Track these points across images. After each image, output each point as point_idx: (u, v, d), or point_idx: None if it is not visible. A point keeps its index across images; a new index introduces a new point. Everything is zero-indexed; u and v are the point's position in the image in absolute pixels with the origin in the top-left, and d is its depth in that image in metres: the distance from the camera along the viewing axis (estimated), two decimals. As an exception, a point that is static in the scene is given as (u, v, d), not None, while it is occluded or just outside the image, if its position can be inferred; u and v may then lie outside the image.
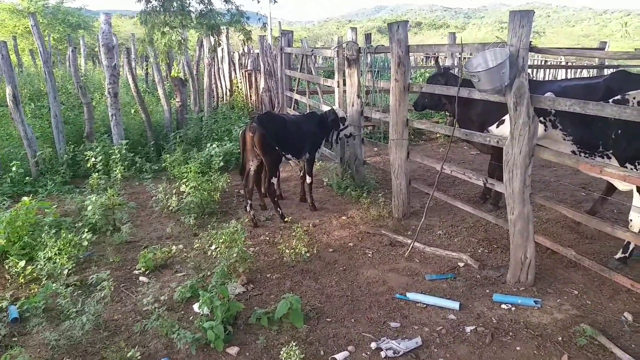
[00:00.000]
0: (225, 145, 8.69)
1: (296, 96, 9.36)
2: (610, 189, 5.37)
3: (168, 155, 8.40)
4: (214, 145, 8.48)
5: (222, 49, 12.64)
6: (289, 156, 6.12)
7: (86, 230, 5.16)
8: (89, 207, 5.61)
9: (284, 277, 4.70)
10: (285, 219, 6.03)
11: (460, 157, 9.48)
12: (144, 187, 7.68)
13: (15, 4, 27.12)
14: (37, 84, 13.80)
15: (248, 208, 6.00)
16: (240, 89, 13.34)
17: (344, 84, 7.09)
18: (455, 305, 4.07)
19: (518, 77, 3.97)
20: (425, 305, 4.15)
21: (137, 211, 6.49)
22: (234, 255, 4.59)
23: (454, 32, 10.72)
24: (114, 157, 7.95)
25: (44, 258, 4.57)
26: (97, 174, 7.57)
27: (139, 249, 5.44)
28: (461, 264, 4.89)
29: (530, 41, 3.96)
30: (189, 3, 7.70)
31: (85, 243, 4.94)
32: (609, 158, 4.51)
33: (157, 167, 8.36)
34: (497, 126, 5.35)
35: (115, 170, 7.71)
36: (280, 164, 6.06)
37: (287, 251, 4.87)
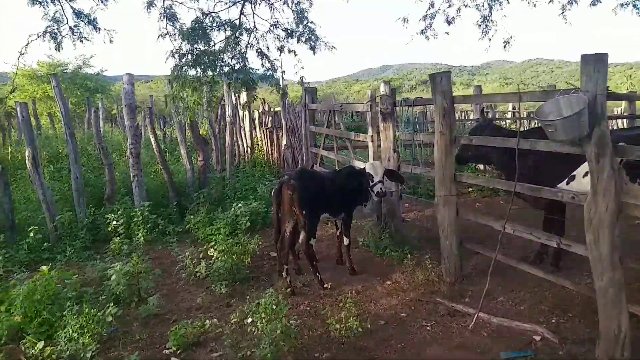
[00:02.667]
0: (251, 204, 8.26)
1: (323, 152, 9.02)
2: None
3: (192, 216, 7.97)
4: (239, 205, 8.05)
5: (243, 107, 12.51)
6: (327, 215, 5.65)
7: (111, 304, 4.63)
8: (113, 277, 5.11)
9: (335, 357, 4.10)
10: (325, 285, 5.48)
11: (499, 211, 8.91)
12: (168, 251, 7.20)
13: (35, 69, 27.82)
14: (56, 146, 13.71)
15: (285, 274, 5.46)
16: (261, 147, 13.09)
17: (378, 138, 6.72)
18: (546, 391, 3.44)
19: (598, 125, 3.54)
20: (508, 392, 3.52)
21: (162, 279, 5.97)
22: (277, 331, 4.01)
23: (480, 85, 10.53)
24: (135, 219, 7.53)
25: (64, 338, 4.03)
26: (118, 238, 7.14)
27: (168, 323, 4.88)
28: (537, 338, 4.27)
29: (607, 86, 3.56)
30: (222, 58, 7.51)
31: (110, 318, 4.40)
32: None
33: (180, 229, 7.91)
34: (568, 182, 4.87)
35: (138, 234, 7.26)
36: (318, 225, 5.59)
37: (336, 325, 4.28)
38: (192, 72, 7.74)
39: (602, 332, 3.81)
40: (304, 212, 5.23)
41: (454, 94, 5.23)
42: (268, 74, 8.08)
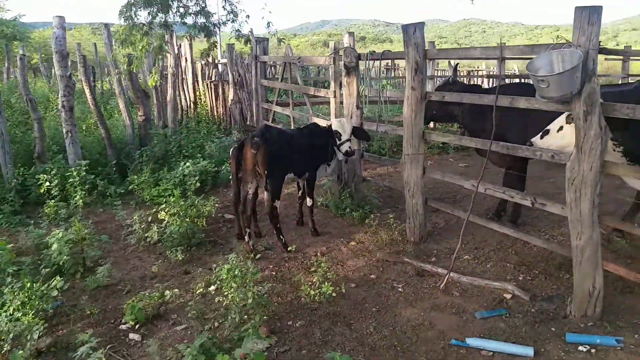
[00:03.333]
0: (199, 163, 7.76)
1: (276, 108, 8.57)
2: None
3: (135, 177, 7.38)
4: (187, 164, 7.54)
5: (186, 57, 11.65)
6: (291, 175, 5.33)
7: (56, 277, 4.11)
8: (54, 246, 4.56)
9: (310, 324, 3.88)
10: (289, 248, 5.20)
11: (451, 169, 8.96)
12: (111, 215, 6.64)
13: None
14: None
15: (247, 237, 5.13)
16: (205, 102, 12.35)
17: (341, 94, 6.40)
18: (528, 351, 3.42)
19: (588, 82, 3.41)
20: (491, 353, 3.47)
21: (109, 246, 5.46)
22: (249, 300, 3.72)
23: (433, 42, 10.33)
24: (71, 180, 6.83)
25: (5, 317, 3.52)
26: (52, 201, 6.46)
27: (121, 294, 4.46)
28: (508, 296, 4.26)
29: (600, 41, 3.43)
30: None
31: (55, 293, 3.91)
32: None
33: (122, 191, 7.29)
34: (542, 137, 4.79)
35: (75, 196, 6.61)
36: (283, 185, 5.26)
37: (310, 291, 4.05)
38: (143, 13, 6.92)
39: (577, 289, 3.83)
40: (268, 172, 4.87)
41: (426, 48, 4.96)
42: (229, 19, 7.37)
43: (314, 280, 4.23)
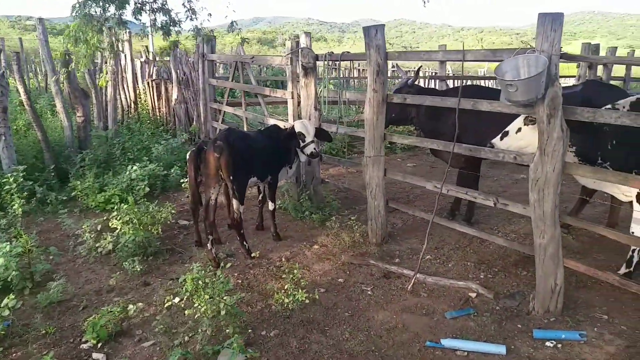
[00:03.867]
0: (147, 166, 7.42)
1: (227, 108, 8.35)
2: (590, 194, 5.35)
3: (78, 182, 6.93)
4: (134, 167, 7.19)
5: (125, 55, 11.10)
6: (254, 180, 5.21)
7: (8, 295, 3.77)
8: (0, 260, 4.18)
9: (284, 334, 3.80)
10: (253, 255, 5.08)
11: (400, 169, 9.14)
12: (54, 223, 6.20)
13: None
14: None
15: (209, 245, 4.94)
16: (145, 101, 11.84)
17: (299, 95, 6.33)
18: (501, 349, 3.53)
19: (551, 86, 3.57)
20: (466, 353, 3.55)
21: (57, 258, 5.07)
22: (222, 312, 3.58)
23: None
24: (7, 187, 6.29)
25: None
26: (-13, 210, 5.93)
27: (76, 311, 4.15)
28: (472, 294, 4.39)
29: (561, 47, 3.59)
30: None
31: (7, 312, 3.57)
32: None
33: (64, 197, 6.83)
34: (501, 138, 4.96)
35: (13, 205, 6.09)
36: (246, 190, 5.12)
37: (285, 299, 3.96)
38: (97, 9, 6.46)
39: (540, 286, 4.01)
40: (233, 177, 4.71)
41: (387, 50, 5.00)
42: (187, 16, 7.04)
43: (285, 288, 4.13)
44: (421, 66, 5.89)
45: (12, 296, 3.53)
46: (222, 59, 8.38)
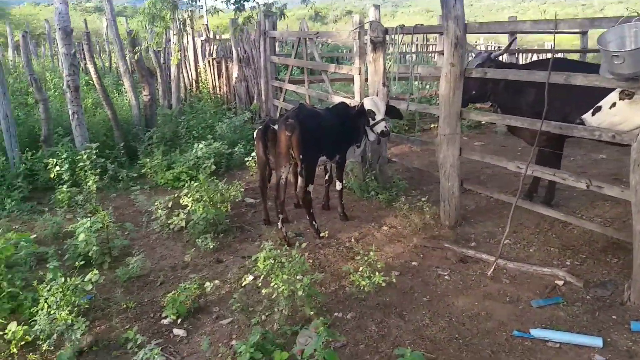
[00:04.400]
0: (212, 144, 7.45)
1: (289, 86, 8.24)
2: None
3: (148, 159, 7.06)
4: (201, 146, 7.24)
5: (187, 34, 11.18)
6: (324, 158, 5.09)
7: (81, 263, 3.88)
8: (81, 236, 4.29)
9: (361, 317, 3.70)
10: (322, 234, 4.99)
11: (468, 148, 8.72)
12: (126, 199, 6.37)
13: None
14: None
15: (280, 224, 4.90)
16: (205, 80, 11.92)
17: (366, 71, 6.11)
18: (597, 341, 3.28)
19: (664, 57, 3.20)
20: (557, 344, 3.32)
21: (132, 233, 5.19)
22: (299, 292, 3.51)
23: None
24: (81, 164, 6.48)
25: (43, 315, 3.28)
26: (64, 186, 6.14)
27: (154, 286, 4.23)
28: (560, 282, 4.11)
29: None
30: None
31: (90, 287, 3.65)
32: None
33: (135, 174, 6.99)
34: (593, 114, 4.58)
35: (87, 181, 6.28)
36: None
37: (362, 282, 3.84)
38: None
39: (637, 275, 3.68)
40: (303, 155, 4.61)
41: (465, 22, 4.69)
42: None
43: (360, 269, 4.01)
44: (515, 38, 5.41)
45: (95, 271, 3.59)
46: (285, 36, 8.24)
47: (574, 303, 3.81)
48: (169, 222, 5.31)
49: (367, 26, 5.89)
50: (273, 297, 3.61)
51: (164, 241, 5.15)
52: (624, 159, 7.35)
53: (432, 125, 10.20)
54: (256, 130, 5.29)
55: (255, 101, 10.04)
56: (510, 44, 5.14)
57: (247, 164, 7.24)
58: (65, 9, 6.79)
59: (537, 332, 3.41)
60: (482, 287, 4.10)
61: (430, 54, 13.08)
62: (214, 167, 6.98)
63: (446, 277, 4.28)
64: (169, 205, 5.58)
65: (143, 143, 7.78)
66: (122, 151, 7.56)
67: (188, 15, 7.36)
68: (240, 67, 10.29)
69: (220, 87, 11.47)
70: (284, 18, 8.04)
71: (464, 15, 4.70)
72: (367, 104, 5.19)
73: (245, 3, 7.21)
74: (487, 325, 3.57)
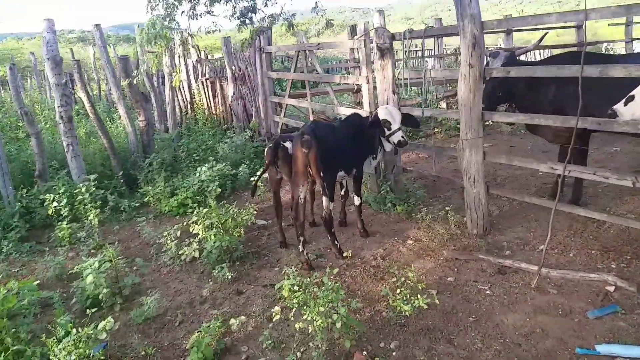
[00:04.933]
0: (215, 167, 7.13)
1: (289, 101, 7.95)
2: None
3: (150, 187, 6.73)
4: (204, 169, 6.92)
5: (179, 55, 10.91)
6: (342, 173, 4.79)
7: (91, 309, 3.52)
8: (89, 278, 3.93)
9: (406, 345, 3.37)
10: (345, 254, 4.66)
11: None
12: (130, 231, 6.03)
13: None
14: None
15: (301, 247, 4.57)
16: (200, 101, 11.64)
17: (374, 80, 5.85)
18: (673, 355, 2.96)
19: None
20: (629, 361, 3.01)
21: (142, 268, 4.83)
22: (337, 324, 3.18)
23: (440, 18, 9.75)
24: (80, 197, 6.13)
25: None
26: (64, 222, 5.78)
27: (173, 327, 3.87)
28: (610, 289, 3.81)
29: None
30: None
31: (104, 335, 3.29)
32: None
33: (137, 204, 6.65)
34: (626, 103, 4.30)
35: (88, 215, 5.92)
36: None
37: (403, 306, 3.50)
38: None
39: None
40: (323, 173, 4.30)
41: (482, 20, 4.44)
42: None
43: (398, 292, 3.68)
44: (547, 32, 5.12)
45: (110, 319, 3.24)
46: (283, 49, 7.98)
47: (633, 311, 3.51)
48: (180, 253, 4.97)
49: (372, 33, 5.64)
50: (308, 331, 3.27)
51: (176, 274, 4.80)
52: (638, 151, 7.15)
53: (436, 130, 9.96)
54: (267, 149, 5.00)
55: (253, 119, 9.74)
56: (540, 40, 4.87)
57: (253, 183, 6.90)
58: (53, 38, 6.49)
59: (603, 348, 3.10)
60: (530, 300, 3.78)
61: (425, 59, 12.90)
62: (219, 190, 6.66)
63: (488, 292, 3.96)
64: (178, 234, 5.23)
65: (143, 170, 7.45)
66: (122, 180, 7.23)
67: (189, 33, 7.08)
68: (236, 86, 10.01)
69: (216, 107, 11.19)
70: (294, 29, 7.74)
71: (480, 13, 4.45)
72: (382, 114, 4.91)
73: (253, 15, 6.90)
74: (546, 344, 3.25)
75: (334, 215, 4.88)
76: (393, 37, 5.55)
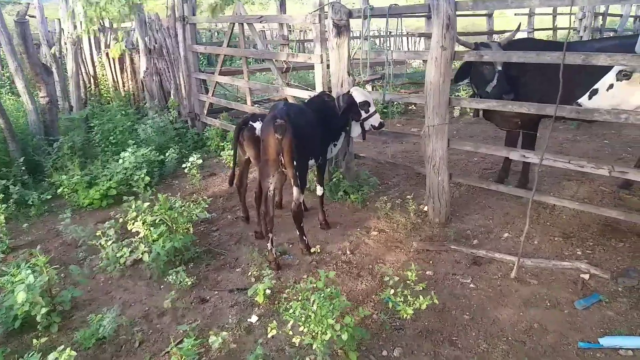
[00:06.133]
0: (137, 152, 6.31)
1: (221, 79, 7.27)
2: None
3: (64, 176, 5.75)
4: (127, 154, 6.10)
5: (81, 22, 9.51)
6: (312, 162, 4.38)
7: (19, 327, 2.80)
8: (20, 296, 3.14)
9: (410, 352, 3.12)
10: (313, 250, 4.32)
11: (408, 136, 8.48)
12: (44, 229, 5.14)
13: None
14: None
15: (270, 245, 4.10)
16: (104, 75, 10.35)
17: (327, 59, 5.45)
18: (671, 344, 3.03)
19: None
20: (630, 352, 3.03)
21: (76, 276, 4.05)
22: (344, 336, 2.83)
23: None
24: (-25, 190, 5.06)
25: None
26: (-43, 222, 4.73)
27: (131, 348, 3.25)
28: (585, 276, 3.88)
29: None
30: None
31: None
32: None
33: (50, 196, 5.66)
34: (590, 97, 4.37)
35: (-11, 212, 4.89)
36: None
37: (407, 309, 3.20)
38: None
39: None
40: (297, 162, 3.85)
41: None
42: None
43: (394, 292, 3.38)
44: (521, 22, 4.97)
45: (70, 352, 2.57)
46: (213, 21, 7.22)
47: (615, 299, 3.58)
48: (118, 255, 4.24)
49: (327, 8, 5.21)
50: (298, 344, 2.88)
51: (118, 282, 4.09)
52: (594, 139, 7.49)
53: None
54: (235, 130, 4.50)
55: (172, 97, 8.84)
56: (517, 30, 4.80)
57: (185, 171, 6.20)
58: None
59: (605, 341, 3.09)
60: (515, 293, 3.72)
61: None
62: (148, 178, 5.91)
63: (472, 286, 3.84)
64: (112, 233, 4.48)
65: (49, 156, 6.37)
66: (23, 168, 6.11)
67: None
68: (151, 59, 8.99)
69: (124, 83, 10.02)
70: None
71: (454, -9, 4.25)
72: (358, 95, 4.57)
73: None
74: (548, 339, 3.18)
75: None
76: (350, 14, 5.18)
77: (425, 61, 4.74)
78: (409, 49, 16.86)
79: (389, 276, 3.45)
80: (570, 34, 11.33)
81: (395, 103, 9.42)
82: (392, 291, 3.33)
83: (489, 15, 12.06)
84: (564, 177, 5.87)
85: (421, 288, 3.37)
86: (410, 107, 10.11)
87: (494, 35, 11.91)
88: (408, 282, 3.41)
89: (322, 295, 2.97)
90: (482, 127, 8.40)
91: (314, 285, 3.11)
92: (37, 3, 7.62)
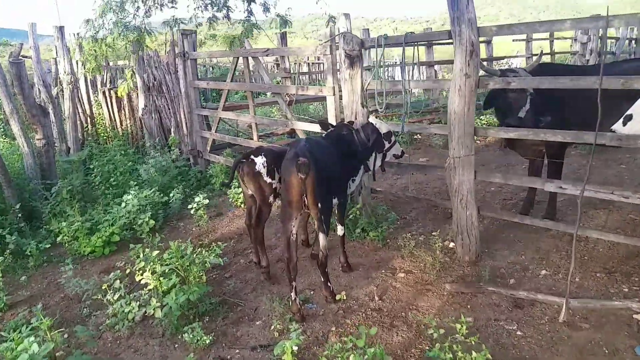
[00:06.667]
0: (142, 194, 6.00)
1: (225, 114, 7.02)
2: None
3: (64, 223, 5.40)
4: (129, 197, 5.79)
5: (77, 62, 9.31)
6: (335, 201, 4.08)
7: None
8: (21, 369, 2.77)
9: (466, 417, 2.75)
10: (338, 297, 3.97)
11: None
12: (42, 282, 4.79)
13: None
14: None
15: (294, 294, 3.75)
16: (101, 114, 10.10)
17: (340, 90, 5.23)
18: None
19: None
20: None
21: (92, 343, 3.67)
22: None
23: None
24: (-31, 242, 4.71)
25: None
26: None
27: None
28: (638, 317, 3.55)
29: None
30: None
31: None
32: None
33: (49, 244, 5.30)
34: (624, 124, 4.13)
35: (-16, 266, 4.53)
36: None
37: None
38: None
39: None
40: (322, 203, 3.55)
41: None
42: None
43: (437, 346, 3.05)
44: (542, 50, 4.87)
45: None
46: (217, 56, 7.02)
47: (678, 342, 3.25)
48: (127, 310, 3.88)
49: (338, 38, 5.02)
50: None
51: (128, 341, 3.71)
52: (610, 164, 7.28)
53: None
54: (239, 167, 4.26)
55: (172, 134, 8.58)
56: (540, 56, 4.61)
57: (192, 212, 5.89)
58: None
59: (683, 396, 2.75)
60: (568, 340, 3.38)
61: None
62: (152, 222, 5.59)
63: (519, 333, 3.50)
64: (119, 284, 4.13)
65: (47, 201, 6.04)
66: (19, 215, 5.76)
67: (145, 29, 5.83)
68: (149, 97, 8.77)
69: (121, 121, 9.77)
70: (290, 26, 6.77)
71: (476, 18, 4.05)
72: (382, 126, 4.34)
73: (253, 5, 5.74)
74: (618, 395, 2.84)
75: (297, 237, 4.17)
76: (363, 43, 4.98)
77: (444, 90, 4.52)
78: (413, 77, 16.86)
79: (433, 328, 3.10)
80: (573, 58, 11.33)
81: (399, 133, 9.21)
82: (439, 345, 2.98)
83: (488, 42, 12.02)
84: (590, 205, 5.59)
85: (472, 342, 3.01)
86: (415, 136, 9.90)
87: (493, 61, 11.84)
88: (454, 333, 3.05)
89: (366, 357, 2.62)
90: (495, 154, 8.19)
91: (354, 343, 2.76)
92: (33, 43, 7.41)
